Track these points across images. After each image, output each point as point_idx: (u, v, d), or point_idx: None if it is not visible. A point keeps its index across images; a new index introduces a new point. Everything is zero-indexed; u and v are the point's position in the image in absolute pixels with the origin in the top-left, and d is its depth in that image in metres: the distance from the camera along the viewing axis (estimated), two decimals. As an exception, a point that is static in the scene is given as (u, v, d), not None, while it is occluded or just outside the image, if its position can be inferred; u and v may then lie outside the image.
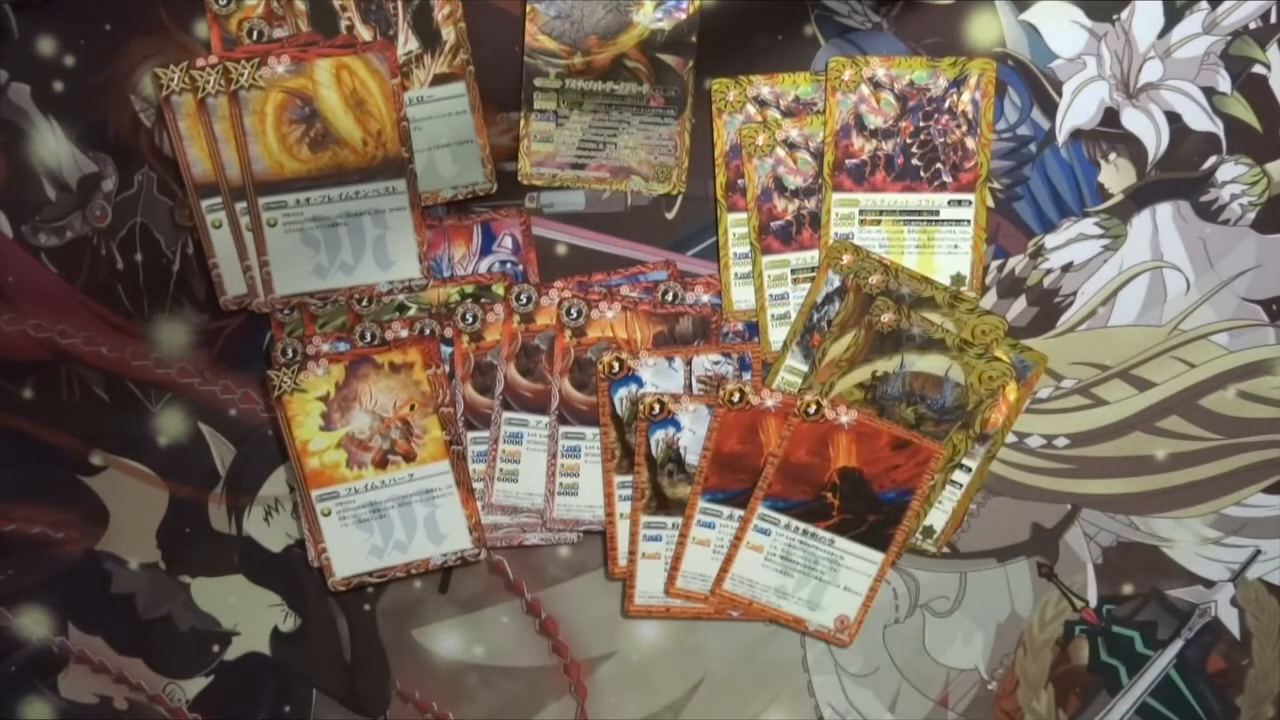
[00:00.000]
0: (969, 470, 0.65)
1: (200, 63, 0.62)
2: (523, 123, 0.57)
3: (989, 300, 0.65)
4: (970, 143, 0.64)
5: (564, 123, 0.53)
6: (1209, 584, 0.67)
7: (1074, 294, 0.65)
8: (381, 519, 0.66)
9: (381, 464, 0.65)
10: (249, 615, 0.68)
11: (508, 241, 0.65)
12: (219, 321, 0.66)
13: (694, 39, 0.53)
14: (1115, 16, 0.64)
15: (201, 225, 0.64)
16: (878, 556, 0.65)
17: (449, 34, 0.63)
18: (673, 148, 0.54)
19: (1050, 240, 0.65)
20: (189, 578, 0.68)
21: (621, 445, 0.65)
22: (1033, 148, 0.65)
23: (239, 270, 0.64)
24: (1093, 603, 0.67)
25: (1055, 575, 0.67)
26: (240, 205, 0.64)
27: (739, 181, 0.64)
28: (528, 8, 0.51)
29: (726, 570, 0.65)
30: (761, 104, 0.64)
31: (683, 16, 0.52)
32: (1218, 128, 0.64)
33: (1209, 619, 0.67)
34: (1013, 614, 0.68)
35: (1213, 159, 0.64)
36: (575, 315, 0.64)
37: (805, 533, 0.64)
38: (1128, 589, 0.67)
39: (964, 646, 0.68)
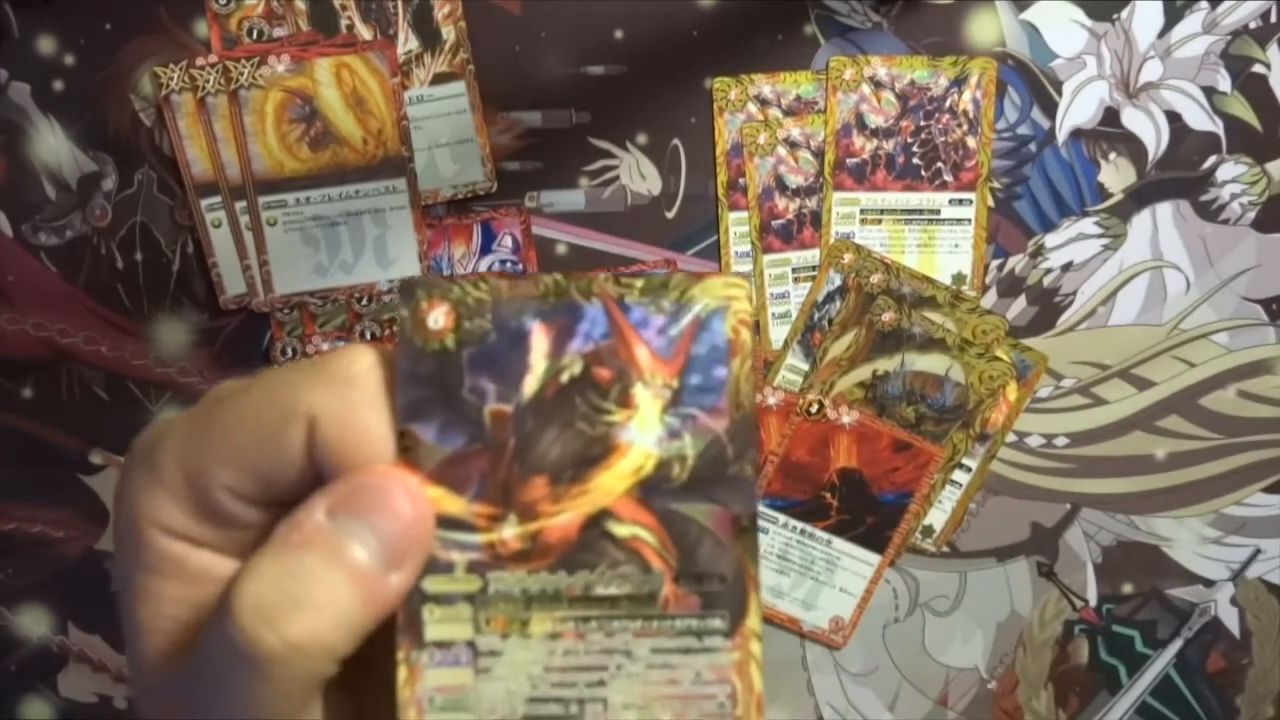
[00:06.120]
0: (969, 470, 0.65)
1: (200, 62, 0.62)
2: (402, 669, 0.25)
3: (989, 300, 0.65)
4: (971, 142, 0.64)
5: (490, 665, 0.24)
6: (1209, 583, 0.67)
7: (1074, 293, 0.65)
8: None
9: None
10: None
11: (507, 240, 0.65)
12: (219, 321, 0.66)
13: (749, 468, 0.24)
14: (1115, 16, 0.64)
15: (201, 225, 0.64)
16: (874, 558, 0.65)
17: (449, 33, 0.63)
18: (728, 698, 0.24)
19: (1050, 240, 0.65)
20: (189, 577, 0.68)
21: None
22: (1033, 147, 0.65)
23: (239, 269, 0.64)
24: (1092, 602, 0.67)
25: (1055, 575, 0.67)
26: (240, 204, 0.64)
27: (740, 180, 0.64)
28: (400, 433, 0.24)
29: (726, 570, 0.65)
30: (763, 103, 0.64)
31: (722, 425, 0.24)
32: (1218, 127, 0.64)
33: (1209, 618, 0.67)
34: (1013, 613, 0.68)
35: (1213, 158, 0.64)
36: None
37: (803, 532, 0.64)
38: (1128, 588, 0.67)
39: (964, 646, 0.68)
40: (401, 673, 0.24)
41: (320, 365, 0.24)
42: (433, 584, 0.24)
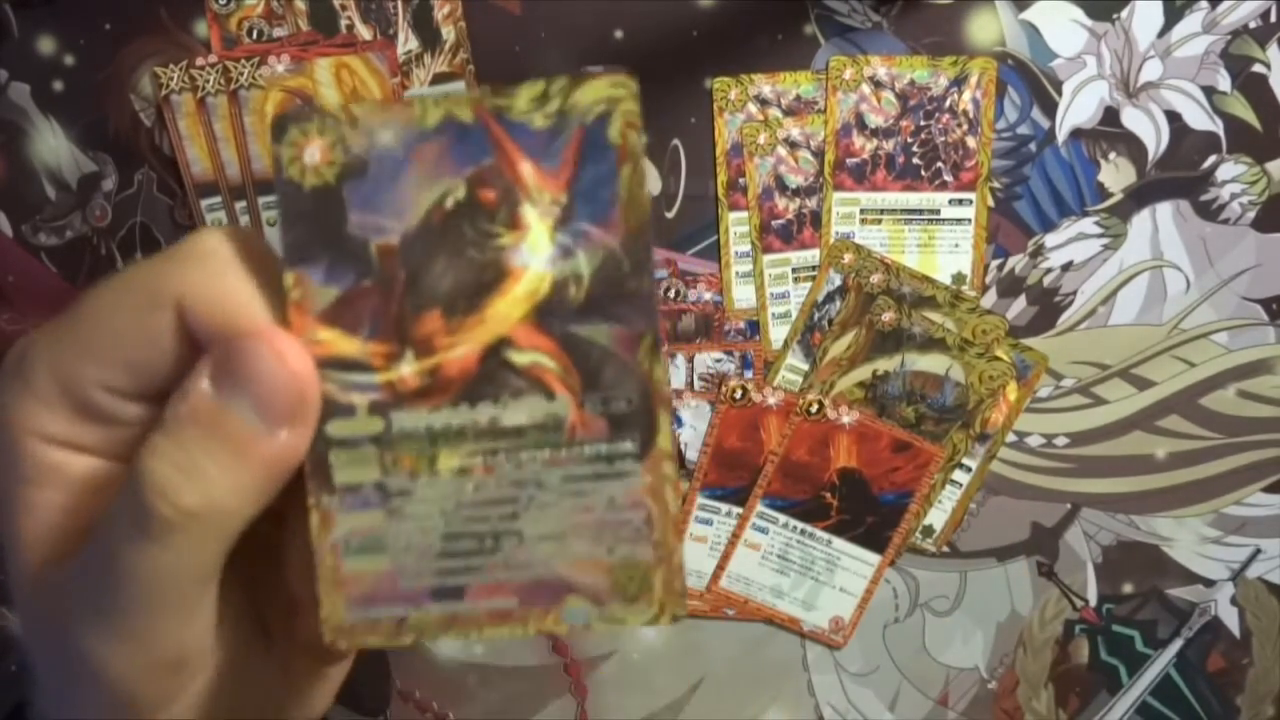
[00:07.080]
0: (969, 470, 0.65)
1: (200, 62, 0.62)
2: (314, 515, 0.24)
3: (989, 299, 0.65)
4: (971, 141, 0.64)
5: (401, 505, 0.24)
6: (1209, 583, 0.67)
7: (1074, 293, 0.65)
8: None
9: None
10: (249, 615, 0.68)
11: (508, 241, 0.65)
12: (219, 321, 0.66)
13: (648, 282, 0.23)
14: (1115, 16, 0.64)
15: (201, 225, 0.64)
16: (875, 558, 0.65)
17: (449, 33, 0.63)
18: (644, 522, 0.23)
19: (1050, 239, 0.65)
20: (189, 577, 0.68)
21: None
22: (1032, 147, 0.65)
23: (239, 270, 0.64)
24: (1093, 602, 0.67)
25: (1055, 574, 0.67)
26: (240, 205, 0.64)
27: (740, 180, 0.64)
28: (287, 276, 0.24)
29: (723, 568, 0.65)
30: (763, 103, 0.64)
31: (616, 238, 0.23)
32: (1218, 127, 0.64)
33: (1209, 618, 0.67)
34: (1013, 613, 0.68)
35: (1213, 158, 0.64)
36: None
37: (803, 532, 0.64)
38: (1128, 588, 0.67)
39: (964, 646, 0.68)
40: (314, 519, 0.24)
41: (173, 250, 0.24)
42: (336, 428, 0.24)
